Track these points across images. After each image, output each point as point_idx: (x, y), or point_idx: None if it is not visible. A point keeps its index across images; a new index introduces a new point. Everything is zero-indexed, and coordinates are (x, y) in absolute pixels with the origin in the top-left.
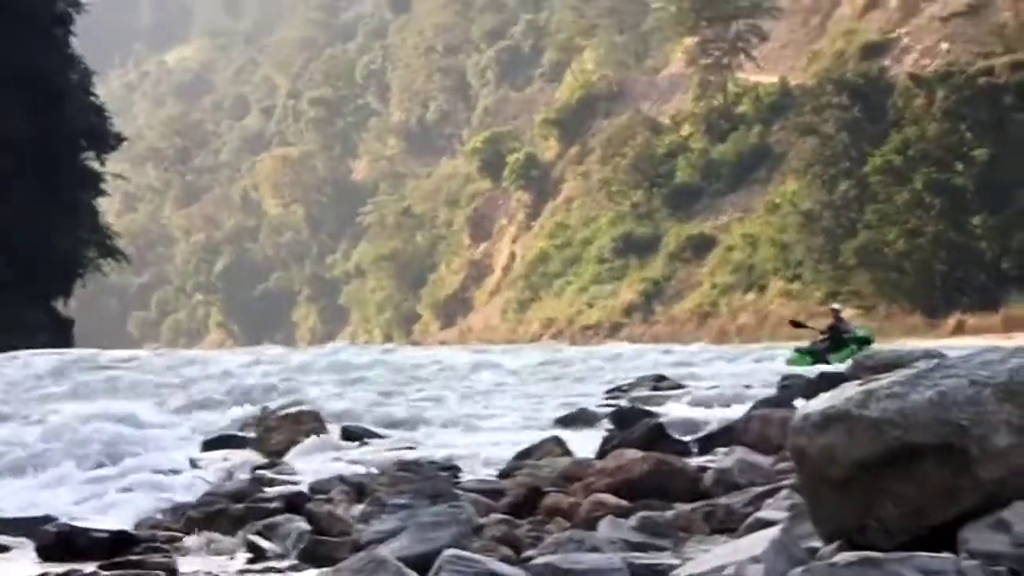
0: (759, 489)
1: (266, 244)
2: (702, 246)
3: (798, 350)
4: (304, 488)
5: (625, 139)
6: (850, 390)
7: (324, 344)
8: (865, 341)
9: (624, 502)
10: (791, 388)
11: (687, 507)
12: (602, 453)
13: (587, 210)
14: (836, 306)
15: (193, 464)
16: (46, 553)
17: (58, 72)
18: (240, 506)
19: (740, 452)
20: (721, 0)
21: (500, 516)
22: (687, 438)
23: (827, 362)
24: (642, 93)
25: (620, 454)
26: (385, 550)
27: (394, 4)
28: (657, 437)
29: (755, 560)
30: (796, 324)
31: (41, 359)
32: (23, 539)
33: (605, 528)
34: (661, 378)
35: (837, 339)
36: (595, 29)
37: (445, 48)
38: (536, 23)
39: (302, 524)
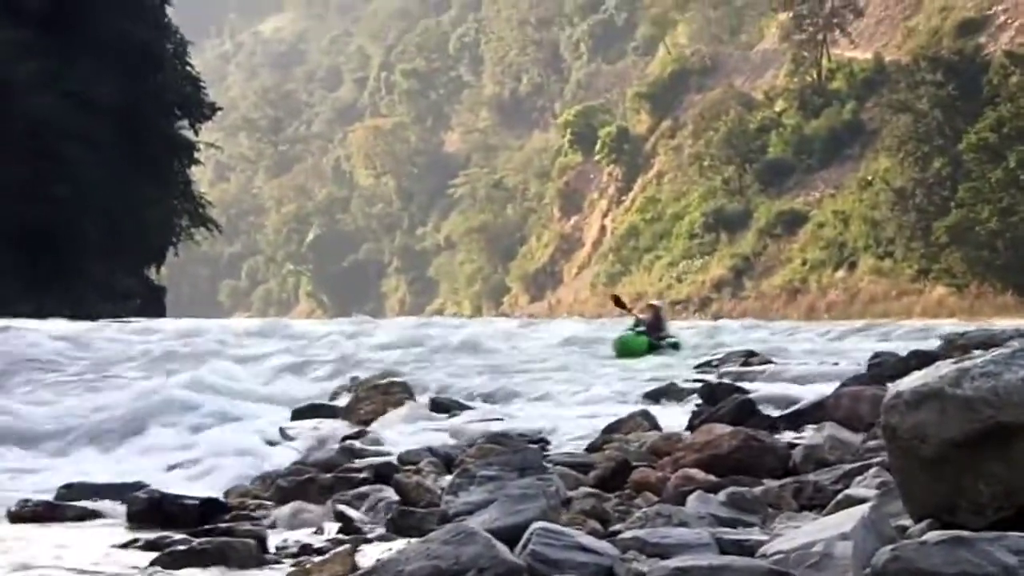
0: (849, 466)
1: (357, 215)
2: (793, 222)
3: (635, 330)
4: (393, 459)
5: (717, 114)
6: (943, 368)
7: (413, 316)
8: (675, 347)
9: (712, 477)
10: (881, 366)
11: (776, 483)
12: (691, 428)
13: (678, 185)
14: (658, 302)
15: (283, 433)
16: (136, 519)
17: (154, 41)
18: (329, 476)
19: (830, 429)
20: None
21: (588, 490)
22: (776, 414)
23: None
24: (735, 68)
25: (709, 429)
26: (474, 522)
27: None
28: (746, 412)
29: (844, 537)
30: (618, 303)
31: (135, 326)
32: (114, 505)
33: (693, 503)
34: (751, 353)
35: (655, 334)
36: (689, 3)
37: (538, 21)
38: None
39: (390, 495)
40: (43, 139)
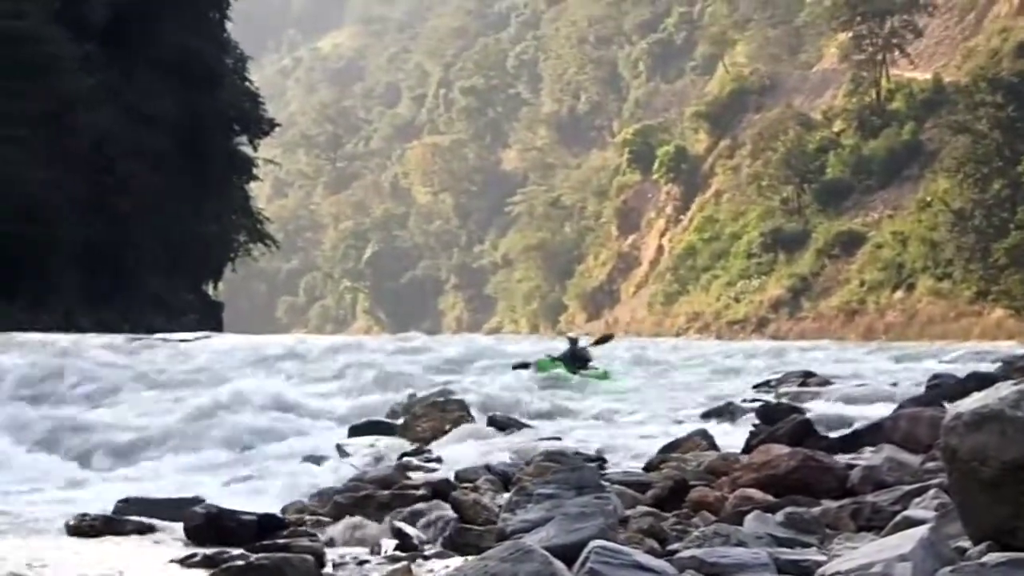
0: (907, 488)
1: (415, 232)
2: (851, 243)
3: (550, 356)
4: (450, 476)
5: (776, 134)
6: (1003, 390)
7: (470, 333)
8: (604, 375)
9: (770, 497)
10: (940, 387)
11: (834, 504)
12: (748, 448)
13: (736, 204)
14: (573, 334)
15: (340, 449)
16: (194, 535)
17: (213, 56)
18: (386, 492)
19: (888, 450)
20: None
21: (646, 508)
22: (834, 435)
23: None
24: (794, 88)
25: (767, 449)
26: (531, 540)
27: None
28: (804, 433)
29: (903, 558)
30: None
31: (194, 341)
32: (172, 521)
33: (751, 523)
34: (809, 374)
35: (575, 363)
36: (748, 23)
37: (597, 39)
38: (689, 16)
39: (448, 512)
40: (104, 153)
